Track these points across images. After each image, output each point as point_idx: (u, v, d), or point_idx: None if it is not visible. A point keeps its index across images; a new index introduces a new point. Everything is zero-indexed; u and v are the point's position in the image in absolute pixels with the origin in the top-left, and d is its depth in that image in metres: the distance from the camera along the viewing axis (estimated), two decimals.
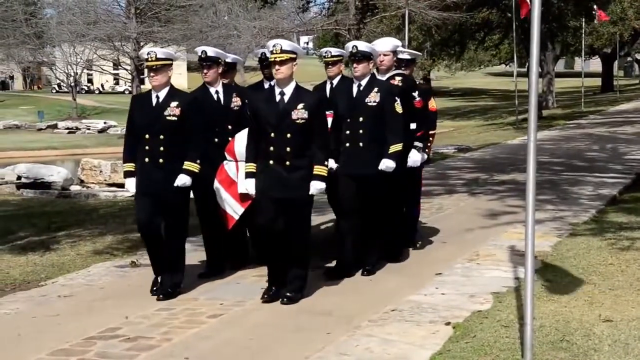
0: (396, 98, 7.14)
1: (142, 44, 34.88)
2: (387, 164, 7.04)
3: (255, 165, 6.40)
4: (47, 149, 35.92)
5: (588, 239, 8.43)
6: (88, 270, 7.74)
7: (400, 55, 7.95)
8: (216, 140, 7.21)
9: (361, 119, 7.07)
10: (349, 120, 7.12)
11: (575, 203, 11.04)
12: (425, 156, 8.07)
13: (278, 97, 6.37)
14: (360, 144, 7.08)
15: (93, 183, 17.06)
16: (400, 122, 7.14)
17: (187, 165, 6.56)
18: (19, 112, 51.21)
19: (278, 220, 6.32)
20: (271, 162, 6.30)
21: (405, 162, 7.48)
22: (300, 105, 6.30)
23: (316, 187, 6.35)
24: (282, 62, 6.24)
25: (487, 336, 5.36)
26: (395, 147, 7.08)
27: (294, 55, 6.31)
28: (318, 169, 6.36)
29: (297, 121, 6.27)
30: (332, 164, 6.88)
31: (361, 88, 7.15)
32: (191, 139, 6.60)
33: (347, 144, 7.12)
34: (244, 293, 6.70)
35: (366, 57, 7.10)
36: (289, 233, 6.35)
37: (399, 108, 7.11)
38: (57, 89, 63.89)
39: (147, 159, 6.56)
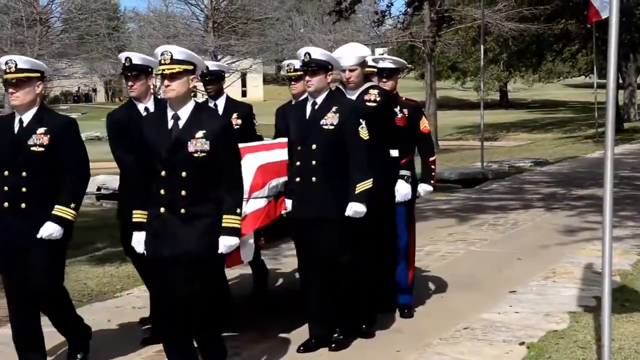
0: (361, 121, 5.57)
1: (219, 57, 35.43)
2: (355, 209, 5.43)
3: (145, 213, 4.83)
4: None
5: None
6: None
7: (381, 64, 6.43)
8: None
9: (314, 146, 5.54)
10: (299, 148, 5.64)
11: None
12: (431, 188, 6.67)
13: (170, 123, 4.72)
14: (313, 179, 5.54)
15: None
16: (366, 151, 5.54)
17: (58, 210, 4.96)
18: (100, 124, 52.04)
19: (177, 287, 4.66)
20: (162, 209, 4.70)
21: (376, 202, 5.67)
22: (200, 134, 4.66)
23: (225, 243, 4.69)
24: (172, 76, 4.64)
25: (562, 357, 5.23)
26: (363, 186, 5.46)
27: (190, 67, 4.70)
28: (228, 220, 4.70)
29: (195, 155, 4.65)
30: (288, 205, 5.73)
31: (316, 107, 5.62)
32: (66, 175, 5.01)
33: (298, 179, 5.62)
34: None
35: (322, 67, 5.54)
36: (188, 303, 4.68)
37: (363, 133, 5.55)
38: None
39: (6, 204, 4.99)
